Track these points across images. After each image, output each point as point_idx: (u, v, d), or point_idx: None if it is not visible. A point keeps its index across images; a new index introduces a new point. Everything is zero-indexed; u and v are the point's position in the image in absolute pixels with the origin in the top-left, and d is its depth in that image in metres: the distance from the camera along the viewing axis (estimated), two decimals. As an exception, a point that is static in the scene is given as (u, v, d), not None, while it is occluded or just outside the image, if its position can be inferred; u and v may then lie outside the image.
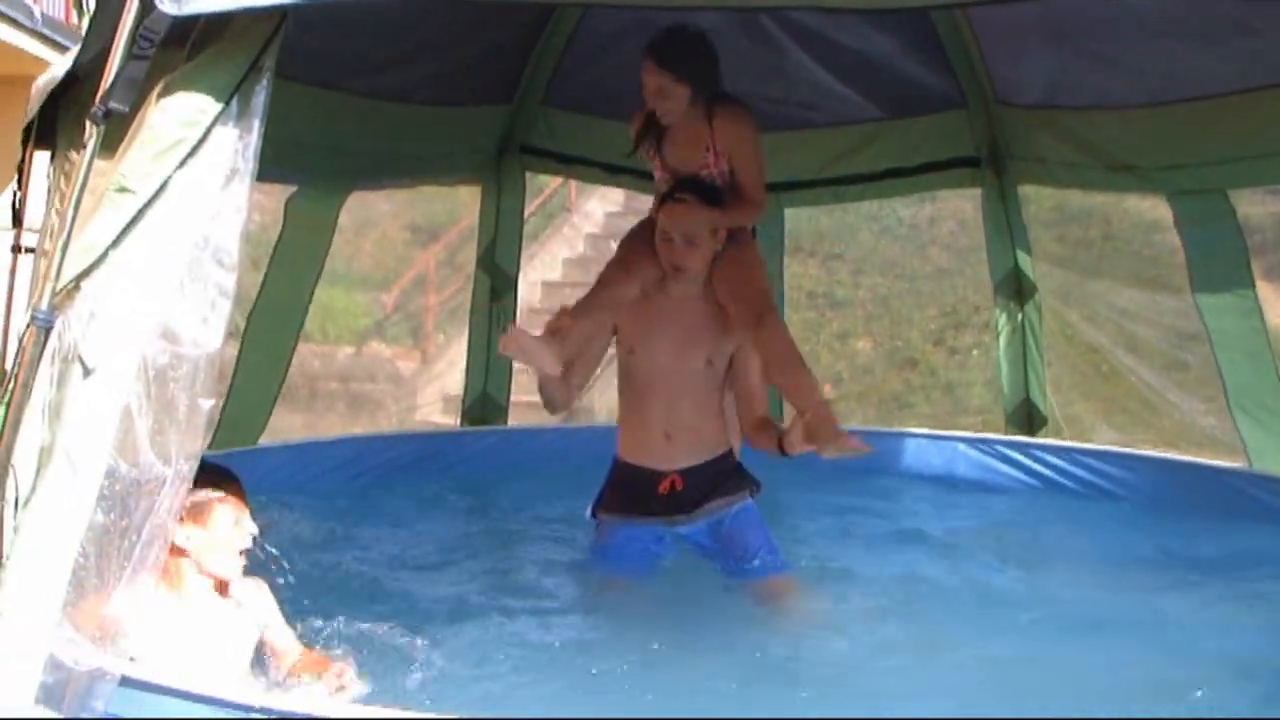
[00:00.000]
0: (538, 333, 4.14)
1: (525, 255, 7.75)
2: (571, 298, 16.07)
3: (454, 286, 11.91)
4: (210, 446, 2.85)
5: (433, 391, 11.95)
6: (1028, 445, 6.25)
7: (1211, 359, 5.62)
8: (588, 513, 4.45)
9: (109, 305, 2.70)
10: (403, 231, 12.52)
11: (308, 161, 5.51)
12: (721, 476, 4.28)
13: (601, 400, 11.42)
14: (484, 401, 6.78)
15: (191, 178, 2.78)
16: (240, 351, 5.81)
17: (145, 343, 2.71)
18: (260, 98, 2.88)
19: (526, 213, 7.23)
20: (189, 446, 2.73)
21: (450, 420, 9.89)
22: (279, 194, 5.90)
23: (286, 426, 7.72)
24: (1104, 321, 7.27)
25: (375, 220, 11.62)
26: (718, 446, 4.29)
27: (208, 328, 2.78)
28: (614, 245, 13.49)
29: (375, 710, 2.49)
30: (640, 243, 4.42)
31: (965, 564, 4.88)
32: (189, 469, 2.74)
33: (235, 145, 2.83)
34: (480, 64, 6.01)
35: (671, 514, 4.26)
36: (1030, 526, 5.60)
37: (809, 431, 3.87)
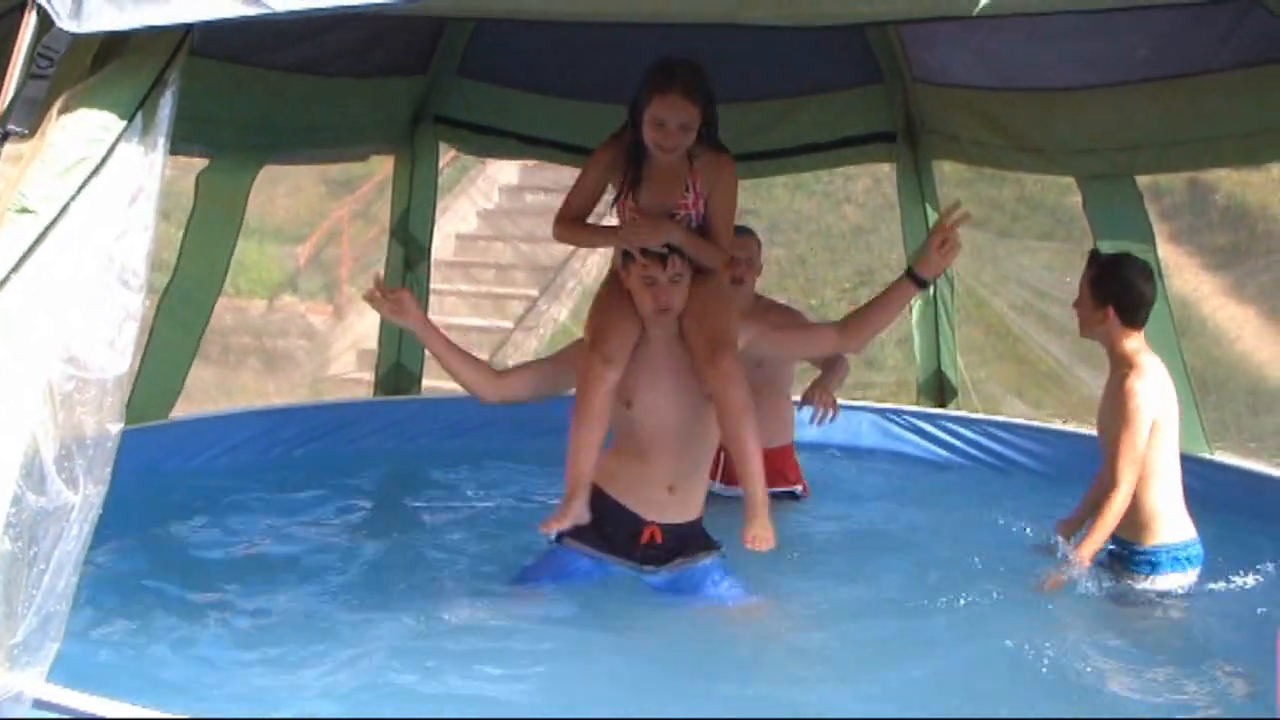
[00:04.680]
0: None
1: (439, 207, 7.64)
2: (487, 251, 15.77)
3: (369, 237, 11.77)
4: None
5: (346, 345, 11.85)
6: (936, 417, 6.42)
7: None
8: (550, 536, 4.24)
9: (11, 330, 2.64)
10: (317, 184, 12.33)
11: (218, 136, 5.39)
12: (691, 537, 4.24)
13: (516, 357, 11.41)
14: (397, 372, 6.74)
15: (96, 197, 2.72)
16: (154, 322, 5.67)
17: (50, 368, 2.66)
18: (166, 111, 2.82)
19: (441, 164, 7.13)
20: (97, 472, 2.70)
21: (364, 374, 9.81)
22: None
23: (199, 383, 7.54)
24: (1013, 291, 7.38)
25: (289, 172, 11.40)
26: (700, 508, 4.25)
27: (115, 351, 2.74)
28: (528, 199, 13.35)
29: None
30: (614, 302, 4.21)
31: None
32: (97, 495, 2.70)
33: (141, 162, 2.79)
34: (392, 35, 5.90)
35: (643, 563, 4.19)
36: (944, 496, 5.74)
37: (747, 513, 3.97)
